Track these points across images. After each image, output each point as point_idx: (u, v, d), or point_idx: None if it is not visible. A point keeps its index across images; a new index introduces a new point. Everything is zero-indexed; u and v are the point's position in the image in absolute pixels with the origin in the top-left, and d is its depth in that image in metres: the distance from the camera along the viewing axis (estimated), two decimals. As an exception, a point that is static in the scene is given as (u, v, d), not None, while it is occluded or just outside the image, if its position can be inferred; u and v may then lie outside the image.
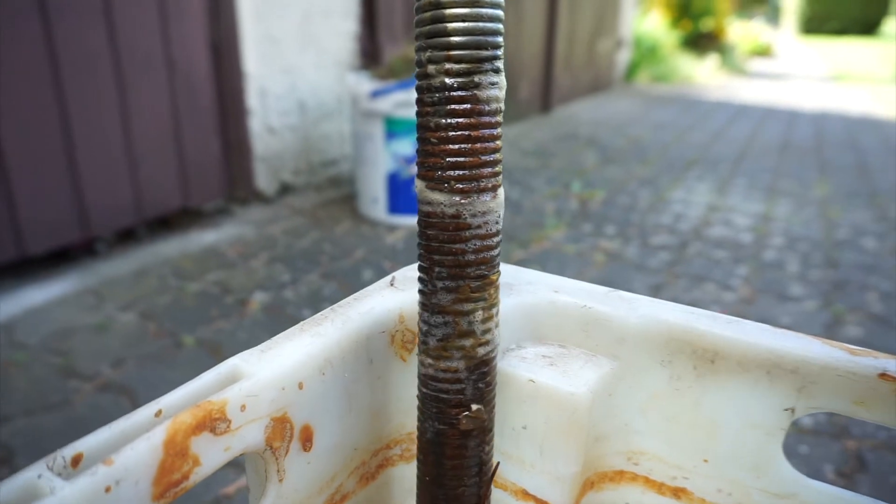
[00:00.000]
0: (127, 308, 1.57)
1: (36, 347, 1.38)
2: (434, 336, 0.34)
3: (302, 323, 0.39)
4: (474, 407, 0.34)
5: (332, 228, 2.16)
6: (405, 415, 0.45)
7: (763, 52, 10.87)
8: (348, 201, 2.43)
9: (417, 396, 0.36)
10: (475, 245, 0.32)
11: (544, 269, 1.89)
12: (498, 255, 0.34)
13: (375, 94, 2.07)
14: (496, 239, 0.33)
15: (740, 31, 10.56)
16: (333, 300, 1.64)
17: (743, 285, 1.81)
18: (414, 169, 2.17)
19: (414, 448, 0.47)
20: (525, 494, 0.43)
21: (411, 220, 2.10)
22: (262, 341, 1.14)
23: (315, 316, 0.40)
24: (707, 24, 8.91)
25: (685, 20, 8.69)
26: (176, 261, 1.86)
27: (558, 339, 0.44)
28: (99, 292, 1.65)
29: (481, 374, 0.34)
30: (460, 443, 0.35)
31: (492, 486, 0.37)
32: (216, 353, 1.39)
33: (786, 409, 0.39)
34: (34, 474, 0.26)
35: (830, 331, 1.57)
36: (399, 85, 2.05)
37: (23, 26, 1.60)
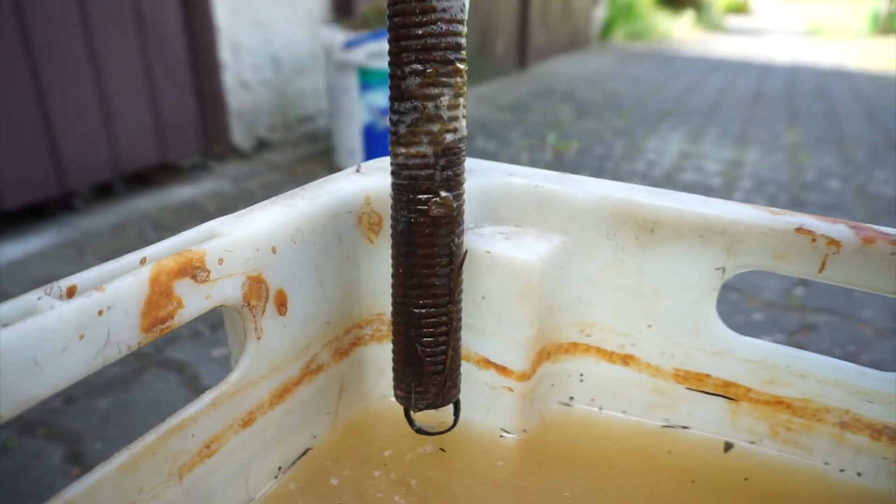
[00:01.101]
0: (107, 258, 1.59)
1: (19, 294, 1.40)
2: (404, 123, 0.35)
3: (275, 197, 0.42)
4: (443, 193, 0.36)
5: (310, 181, 2.17)
6: (375, 296, 0.49)
7: (740, 8, 10.86)
8: (325, 156, 2.44)
9: (391, 186, 0.38)
10: (441, 28, 0.34)
11: (519, 214, 1.93)
12: (463, 43, 0.35)
13: (349, 45, 2.06)
14: (461, 26, 0.34)
15: (717, -13, 10.50)
16: (312, 246, 1.67)
17: (712, 225, 1.86)
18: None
19: (385, 329, 0.51)
20: (486, 362, 0.47)
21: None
22: None
23: (287, 192, 0.43)
24: (683, -19, 8.85)
25: (662, -24, 8.62)
26: (154, 214, 1.87)
27: (513, 220, 0.48)
28: (79, 244, 1.66)
29: (449, 161, 0.36)
30: (430, 231, 0.37)
31: (461, 278, 0.39)
32: (198, 297, 1.41)
33: (717, 269, 0.43)
34: (34, 297, 0.29)
35: (793, 263, 1.63)
36: (372, 35, 2.05)
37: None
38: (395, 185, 0.37)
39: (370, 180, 0.46)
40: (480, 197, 0.47)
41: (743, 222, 0.41)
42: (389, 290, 0.50)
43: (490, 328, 0.46)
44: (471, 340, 0.47)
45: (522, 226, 0.47)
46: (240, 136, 2.38)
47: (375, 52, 2.02)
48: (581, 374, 0.50)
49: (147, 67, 2.01)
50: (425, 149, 0.35)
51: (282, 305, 0.40)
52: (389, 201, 0.49)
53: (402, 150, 0.36)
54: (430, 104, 0.35)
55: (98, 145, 1.90)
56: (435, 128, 0.35)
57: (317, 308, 0.44)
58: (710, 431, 0.47)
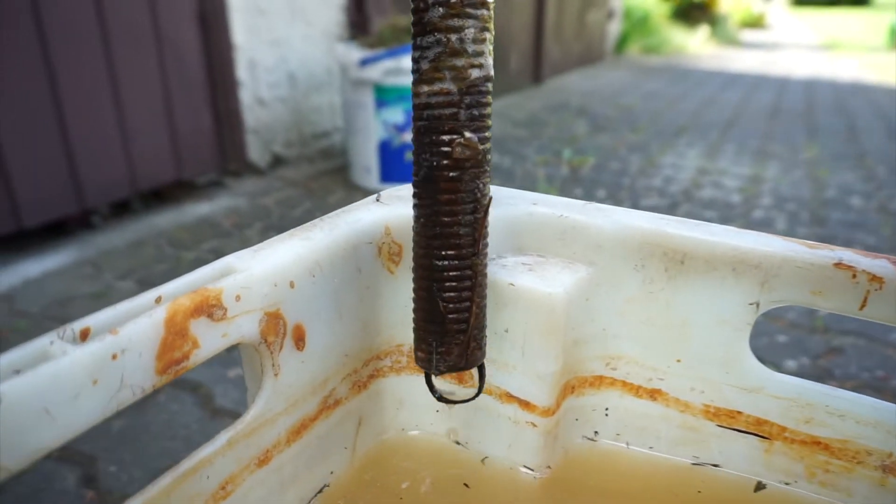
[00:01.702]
0: (125, 277, 1.59)
1: (36, 315, 1.40)
2: (426, 58, 0.33)
3: (292, 230, 0.41)
4: (468, 134, 0.34)
5: (325, 198, 2.17)
6: (395, 327, 0.48)
7: (755, 22, 10.82)
8: (341, 172, 2.44)
9: (412, 130, 0.35)
10: None
11: (536, 231, 1.91)
12: None
13: (364, 63, 2.07)
14: None
15: (732, 2, 10.49)
16: (328, 264, 1.66)
17: (731, 243, 1.84)
18: (406, 136, 2.17)
19: (404, 360, 0.50)
20: (509, 396, 0.46)
21: (404, 189, 2.11)
22: None
23: (305, 224, 0.42)
24: (698, -5, 8.85)
25: (676, -10, 8.63)
26: (171, 231, 1.87)
27: (537, 249, 0.46)
28: (96, 263, 1.67)
29: (474, 99, 0.34)
30: (454, 175, 0.34)
31: (487, 228, 0.36)
32: (213, 316, 1.41)
33: (751, 304, 0.42)
34: (46, 341, 0.28)
35: (816, 283, 1.60)
36: (388, 53, 2.05)
37: (10, 3, 1.60)
38: (416, 128, 0.35)
39: (390, 210, 0.45)
40: (503, 226, 0.46)
41: (778, 255, 0.40)
42: (409, 322, 0.49)
43: (513, 362, 0.45)
44: (493, 374, 0.46)
45: (546, 256, 0.46)
46: (255, 152, 2.39)
47: (391, 69, 2.03)
48: (606, 409, 0.48)
49: (165, 86, 2.03)
50: (449, 85, 0.33)
51: (300, 340, 0.39)
52: (410, 232, 0.48)
53: (425, 87, 0.34)
54: (453, 37, 0.33)
55: (116, 163, 1.92)
56: (459, 62, 0.33)
57: (335, 341, 0.43)
58: (742, 470, 0.45)
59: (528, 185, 2.35)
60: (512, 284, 0.43)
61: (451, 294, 0.36)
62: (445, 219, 0.35)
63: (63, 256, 1.71)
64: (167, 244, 1.79)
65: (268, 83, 2.38)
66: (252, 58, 2.30)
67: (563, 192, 2.26)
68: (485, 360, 0.45)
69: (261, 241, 1.54)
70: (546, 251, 0.46)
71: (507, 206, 0.46)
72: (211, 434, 0.94)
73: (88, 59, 1.81)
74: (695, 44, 7.72)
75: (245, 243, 1.79)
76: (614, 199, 2.18)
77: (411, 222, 0.40)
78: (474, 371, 0.42)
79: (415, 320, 0.39)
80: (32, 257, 1.69)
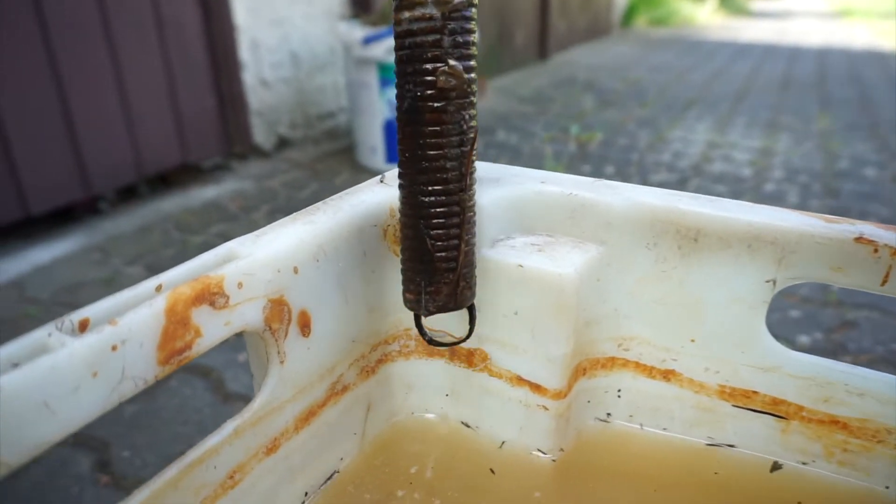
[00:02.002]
0: (133, 262, 1.59)
1: (47, 301, 1.41)
2: None
3: (296, 213, 0.40)
4: (452, 62, 0.32)
5: (332, 179, 2.16)
6: (402, 311, 0.47)
7: (765, -10, 10.60)
8: (347, 152, 2.43)
9: (395, 63, 0.34)
10: None
11: (544, 209, 1.90)
12: None
13: (368, 41, 2.04)
14: None
15: (741, -30, 10.27)
16: (335, 246, 1.66)
17: (742, 217, 1.82)
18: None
19: (413, 344, 0.49)
20: (519, 380, 0.45)
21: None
22: None
23: (308, 207, 0.42)
24: (707, -36, 8.67)
25: (684, -40, 8.45)
26: (178, 216, 1.87)
27: (546, 229, 0.45)
28: (104, 248, 1.67)
29: (458, 25, 0.32)
30: (439, 106, 0.33)
31: (474, 161, 0.35)
32: (222, 300, 1.41)
33: (767, 281, 0.41)
34: (44, 333, 0.27)
35: (829, 256, 1.58)
36: (391, 30, 2.02)
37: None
38: (398, 58, 0.33)
39: (394, 191, 0.44)
40: (510, 206, 0.45)
41: (795, 231, 0.39)
42: (416, 305, 0.48)
43: (523, 345, 0.44)
44: (502, 357, 0.45)
45: (555, 236, 0.45)
46: (261, 134, 2.37)
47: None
48: (619, 390, 0.48)
49: (168, 69, 2.02)
50: (431, 10, 0.32)
51: (305, 327, 0.39)
52: (415, 213, 0.46)
53: (406, 13, 0.32)
54: None
55: (121, 148, 1.91)
56: None
57: (342, 327, 0.42)
58: (758, 450, 0.44)
59: (536, 162, 2.33)
60: (521, 266, 0.42)
61: (439, 231, 0.35)
62: (431, 152, 0.34)
63: (71, 242, 1.71)
64: (174, 229, 1.79)
65: (270, 64, 2.36)
66: (254, 38, 2.27)
67: (571, 169, 2.24)
68: (493, 338, 0.44)
69: (268, 224, 1.53)
70: (555, 231, 0.45)
71: (514, 184, 0.45)
72: (222, 419, 0.94)
73: (90, 43, 1.79)
74: (704, 15, 7.58)
75: (252, 226, 1.79)
76: (623, 175, 2.16)
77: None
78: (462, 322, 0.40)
79: (402, 261, 0.38)
80: (41, 244, 1.70)
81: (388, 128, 2.12)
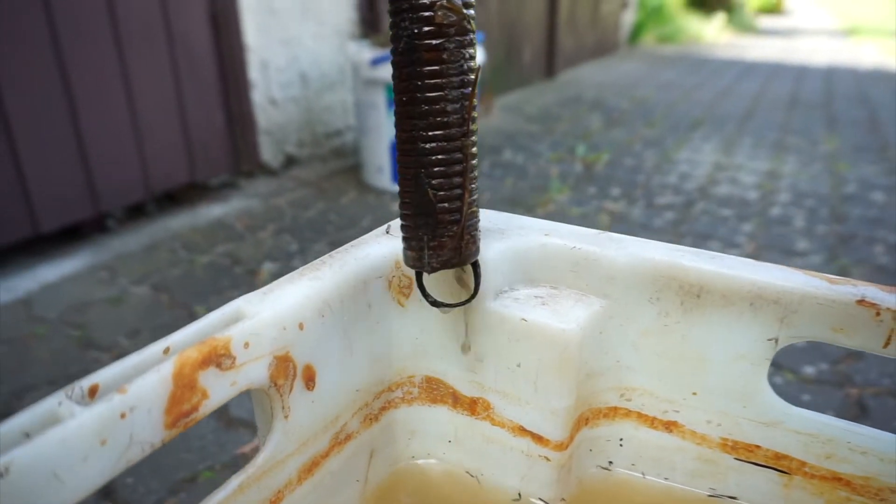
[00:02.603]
0: (140, 281, 1.60)
1: (54, 320, 1.42)
2: None
3: (301, 268, 0.41)
4: None
5: (338, 199, 2.17)
6: (406, 359, 0.47)
7: (773, 8, 10.64)
8: (353, 171, 2.44)
9: (388, 1, 0.33)
10: None
11: (549, 231, 1.90)
12: None
13: (376, 62, 2.06)
14: None
15: (749, -12, 10.32)
16: (341, 268, 1.66)
17: (748, 242, 1.81)
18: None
19: (416, 391, 0.49)
20: (522, 430, 0.45)
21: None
22: None
23: (314, 262, 0.42)
24: (714, -18, 8.71)
25: (691, -22, 8.50)
26: (185, 234, 1.88)
27: (550, 281, 0.46)
28: (112, 267, 1.68)
29: None
30: (437, 44, 0.31)
31: (476, 104, 0.33)
32: (228, 321, 1.41)
33: (769, 339, 0.41)
34: (55, 402, 0.28)
35: (835, 283, 1.57)
36: (400, 52, 2.04)
37: (24, 7, 1.61)
38: None
39: (400, 243, 0.44)
40: (514, 258, 0.45)
41: (798, 291, 0.39)
42: (421, 352, 0.49)
43: (526, 396, 0.44)
44: (505, 408, 0.45)
45: (559, 288, 0.45)
46: (268, 152, 2.39)
47: (403, 68, 2.01)
48: (621, 439, 0.48)
49: (178, 88, 2.04)
50: None
51: (310, 381, 0.39)
52: (420, 263, 0.47)
53: None
54: None
55: (130, 166, 1.93)
56: None
57: (346, 378, 0.42)
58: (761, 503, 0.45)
59: (541, 183, 2.33)
60: (524, 320, 0.42)
61: (441, 180, 0.33)
62: (430, 94, 0.32)
63: (79, 260, 1.72)
64: (181, 247, 1.80)
65: (280, 83, 2.38)
66: (264, 58, 2.29)
67: (577, 190, 2.25)
68: (496, 388, 0.45)
69: (274, 243, 1.55)
70: (559, 283, 0.45)
71: (518, 237, 0.45)
72: (226, 445, 0.94)
73: (101, 61, 1.81)
74: (711, 32, 7.61)
75: (258, 246, 1.80)
76: (629, 198, 2.16)
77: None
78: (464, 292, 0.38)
79: (402, 216, 0.36)
80: (49, 261, 1.71)
81: (395, 148, 2.14)
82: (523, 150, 2.74)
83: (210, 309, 1.44)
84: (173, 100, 2.03)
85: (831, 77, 4.59)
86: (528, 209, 2.08)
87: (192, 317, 1.44)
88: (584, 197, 2.17)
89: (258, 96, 2.30)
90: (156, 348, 0.32)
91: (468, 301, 0.40)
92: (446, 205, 0.34)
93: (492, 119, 3.26)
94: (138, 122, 1.93)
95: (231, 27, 2.15)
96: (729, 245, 1.80)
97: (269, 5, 2.27)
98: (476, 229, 0.36)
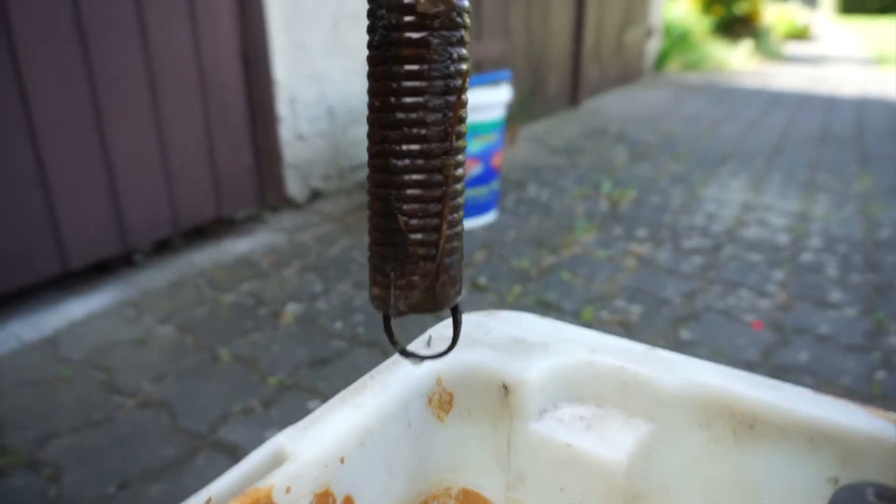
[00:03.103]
0: (165, 321, 1.61)
1: (80, 362, 1.43)
2: None
3: (342, 393, 0.40)
4: None
5: (362, 235, 2.17)
6: (443, 472, 0.46)
7: (800, 34, 10.58)
8: (378, 206, 2.45)
9: None
10: None
11: (575, 275, 1.88)
12: None
13: (404, 101, 2.07)
14: None
15: (776, 14, 10.28)
16: (365, 312, 1.66)
17: (779, 290, 1.78)
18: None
19: (451, 503, 0.48)
20: (563, 554, 0.44)
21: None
22: (296, 355, 1.21)
23: (355, 384, 0.41)
24: (741, 8, 8.69)
25: (717, 5, 8.49)
26: (211, 271, 1.89)
27: (595, 399, 0.44)
28: (138, 304, 1.69)
29: None
30: (419, 38, 0.26)
31: (463, 115, 0.28)
32: (252, 366, 1.41)
33: (828, 480, 0.39)
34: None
35: (872, 339, 1.53)
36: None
37: (60, 45, 1.64)
38: None
39: (442, 358, 0.43)
40: (560, 377, 0.44)
41: (863, 433, 0.37)
42: (459, 466, 0.48)
43: (569, 521, 0.42)
44: (547, 531, 0.43)
45: (604, 407, 0.44)
46: (294, 187, 2.41)
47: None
48: (666, 561, 0.46)
49: (207, 125, 2.07)
50: None
51: (348, 511, 0.38)
52: (462, 378, 0.46)
53: None
54: None
55: (159, 202, 1.95)
56: None
57: (384, 497, 0.41)
58: None
59: (567, 221, 2.31)
60: (569, 445, 0.41)
61: (415, 206, 0.28)
62: (407, 100, 0.26)
63: (106, 296, 1.74)
64: (206, 285, 1.81)
65: (307, 118, 2.40)
66: (292, 94, 2.32)
67: (603, 230, 2.22)
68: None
69: (298, 282, 1.54)
70: (604, 401, 0.44)
71: (563, 354, 0.44)
72: None
73: (135, 101, 1.85)
74: (737, 59, 7.57)
75: (283, 285, 1.80)
76: (655, 240, 2.13)
77: (465, 367, 0.37)
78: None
79: (370, 245, 0.30)
80: (76, 297, 1.73)
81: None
82: (548, 186, 2.73)
83: (233, 353, 1.44)
84: (203, 136, 2.06)
85: (862, 109, 4.53)
86: (554, 250, 2.06)
87: (216, 360, 1.44)
88: (610, 238, 2.15)
89: (286, 131, 2.32)
90: (198, 500, 0.31)
91: (444, 354, 0.34)
92: (420, 236, 0.28)
93: (517, 151, 3.26)
94: (168, 159, 1.96)
95: (261, 64, 2.18)
96: (760, 294, 1.76)
97: (298, 41, 2.30)
98: (457, 269, 0.30)
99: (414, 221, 0.28)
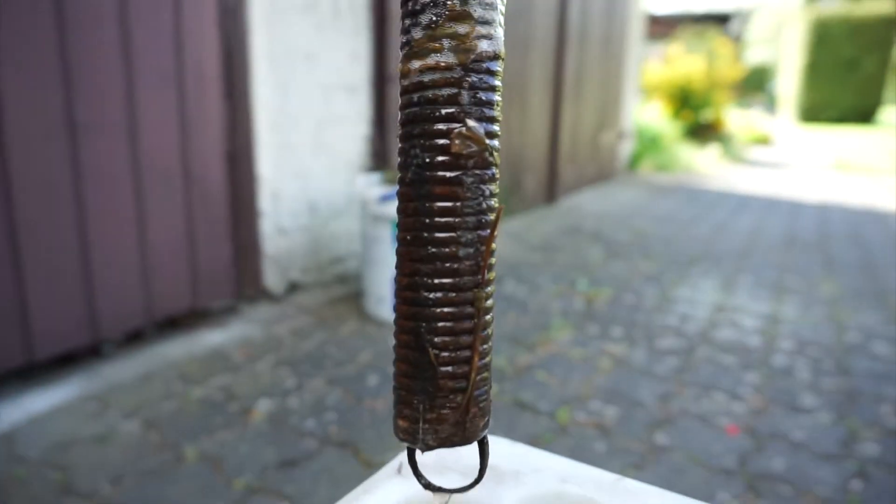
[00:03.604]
0: (130, 416, 1.56)
1: (35, 461, 1.36)
2: (419, 25, 0.26)
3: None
4: (471, 123, 0.26)
5: (338, 328, 2.16)
6: None
7: (762, 140, 11.15)
8: (355, 299, 2.45)
9: (399, 124, 0.28)
10: None
11: (551, 375, 1.87)
12: None
13: (384, 199, 2.12)
14: None
15: (739, 121, 10.86)
16: (338, 410, 1.62)
17: (753, 395, 1.78)
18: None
19: None
20: None
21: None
22: (265, 455, 1.19)
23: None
24: (707, 115, 9.19)
25: (686, 111, 8.97)
26: (182, 364, 1.85)
27: (566, 531, 0.44)
28: (103, 398, 1.64)
29: (480, 79, 0.26)
30: (453, 177, 0.26)
31: (493, 249, 0.27)
32: (218, 468, 1.36)
33: None
34: None
35: (846, 447, 1.53)
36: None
37: (50, 145, 1.68)
38: (404, 118, 0.27)
39: (413, 486, 0.43)
40: (529, 506, 0.43)
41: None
42: None
43: None
44: None
45: (575, 540, 0.43)
46: (272, 279, 2.41)
47: (410, 205, 2.07)
48: None
49: (189, 222, 2.09)
50: (448, 58, 0.26)
51: None
52: (431, 508, 0.45)
53: (417, 63, 0.26)
54: None
55: (133, 295, 1.94)
56: (463, 29, 0.26)
57: None
58: None
59: (543, 319, 2.33)
60: (540, 583, 0.40)
61: (446, 339, 0.28)
62: (440, 235, 0.27)
63: (70, 389, 1.68)
64: (176, 378, 1.76)
65: (289, 212, 2.44)
66: (276, 189, 2.37)
67: (578, 329, 2.24)
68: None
69: (271, 377, 1.53)
70: (575, 534, 0.43)
71: (534, 483, 0.44)
72: None
73: (119, 199, 1.87)
74: (704, 162, 7.92)
75: (255, 379, 1.77)
76: (630, 340, 2.15)
77: (433, 498, 0.36)
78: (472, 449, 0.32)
79: (395, 375, 0.30)
80: (39, 390, 1.67)
81: (394, 294, 2.15)
82: (526, 282, 2.76)
83: (200, 452, 1.39)
84: (183, 230, 2.07)
85: (824, 215, 4.72)
86: (529, 348, 2.06)
87: (181, 460, 1.39)
88: (586, 337, 2.17)
89: (267, 225, 2.35)
90: None
91: (471, 487, 0.33)
92: (451, 369, 0.28)
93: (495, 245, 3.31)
94: (146, 253, 1.96)
95: (246, 163, 2.23)
96: (733, 397, 1.77)
97: (285, 140, 2.37)
98: (486, 400, 0.30)
99: (445, 354, 0.28)
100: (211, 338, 2.05)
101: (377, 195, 2.14)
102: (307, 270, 2.57)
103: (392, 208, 2.10)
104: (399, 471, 0.45)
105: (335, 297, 2.49)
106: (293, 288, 2.52)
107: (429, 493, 0.43)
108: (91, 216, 1.79)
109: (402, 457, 0.46)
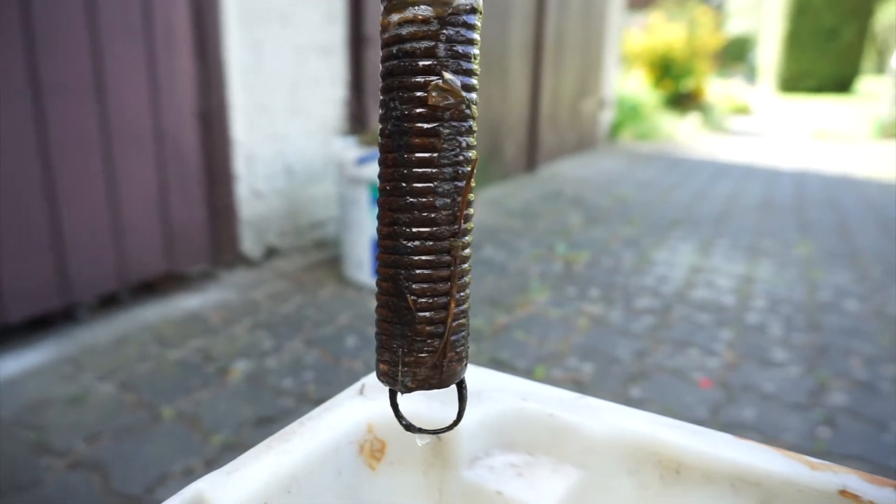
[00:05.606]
0: (105, 378, 1.55)
1: (8, 421, 1.35)
2: None
3: (270, 439, 0.39)
4: (447, 75, 0.27)
5: (317, 292, 2.16)
6: (374, 524, 0.45)
7: (742, 110, 11.20)
8: (333, 264, 2.44)
9: (380, 76, 0.29)
10: None
11: (529, 335, 1.89)
12: None
13: (361, 161, 2.11)
14: None
15: (720, 91, 10.89)
16: (316, 369, 1.63)
17: (727, 350, 1.82)
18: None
19: (384, 556, 0.47)
20: None
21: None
22: (242, 413, 1.18)
23: (284, 430, 0.40)
24: (687, 85, 9.19)
25: (667, 80, 8.96)
26: (158, 327, 1.84)
27: (526, 447, 0.44)
28: (77, 361, 1.63)
29: (457, 32, 0.27)
30: (430, 128, 0.27)
31: (471, 199, 0.29)
32: (195, 425, 1.36)
33: (751, 522, 0.39)
34: None
35: (814, 398, 1.57)
36: (385, 151, 2.08)
37: (14, 106, 1.63)
38: (384, 70, 0.28)
39: (374, 406, 0.43)
40: (491, 423, 0.44)
41: (779, 476, 0.38)
42: (391, 518, 0.47)
43: (500, 572, 0.42)
44: (478, 581, 0.43)
45: (536, 455, 0.44)
46: (249, 243, 2.39)
47: (387, 167, 2.05)
48: None
49: (162, 182, 2.05)
50: (425, 11, 0.27)
51: (270, 563, 0.37)
52: (394, 426, 0.45)
53: (395, 16, 0.27)
54: None
55: (106, 257, 1.91)
56: None
57: (310, 552, 0.40)
58: None
59: (522, 281, 2.34)
60: (500, 493, 0.41)
61: (424, 286, 0.29)
62: (417, 185, 0.28)
63: (43, 352, 1.67)
64: (152, 341, 1.75)
65: (265, 175, 2.41)
66: (251, 152, 2.33)
67: (557, 290, 2.26)
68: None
69: (248, 339, 1.52)
70: (536, 449, 0.44)
71: (495, 401, 0.44)
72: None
73: (87, 159, 1.83)
74: (685, 131, 7.95)
75: (232, 341, 1.76)
76: (608, 300, 2.17)
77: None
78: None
79: (377, 321, 0.31)
80: (12, 353, 1.65)
81: (376, 244, 2.15)
82: (504, 247, 2.77)
83: (177, 411, 1.39)
84: (156, 193, 2.04)
85: (801, 181, 4.78)
86: (508, 309, 2.08)
87: (157, 419, 1.39)
88: (564, 298, 2.18)
89: (243, 188, 2.32)
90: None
91: (450, 428, 0.34)
92: (428, 314, 0.29)
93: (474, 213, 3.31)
94: (119, 216, 1.93)
95: (220, 124, 2.20)
96: (708, 353, 1.80)
97: (259, 102, 2.33)
98: (463, 345, 0.31)
99: (423, 300, 0.29)
100: (188, 302, 2.04)
101: (354, 157, 2.12)
102: (285, 235, 2.55)
103: (370, 170, 2.09)
104: (361, 391, 0.45)
105: (314, 262, 2.48)
106: (271, 253, 2.50)
107: (390, 415, 0.44)
108: (59, 176, 1.76)
109: (365, 379, 0.46)
